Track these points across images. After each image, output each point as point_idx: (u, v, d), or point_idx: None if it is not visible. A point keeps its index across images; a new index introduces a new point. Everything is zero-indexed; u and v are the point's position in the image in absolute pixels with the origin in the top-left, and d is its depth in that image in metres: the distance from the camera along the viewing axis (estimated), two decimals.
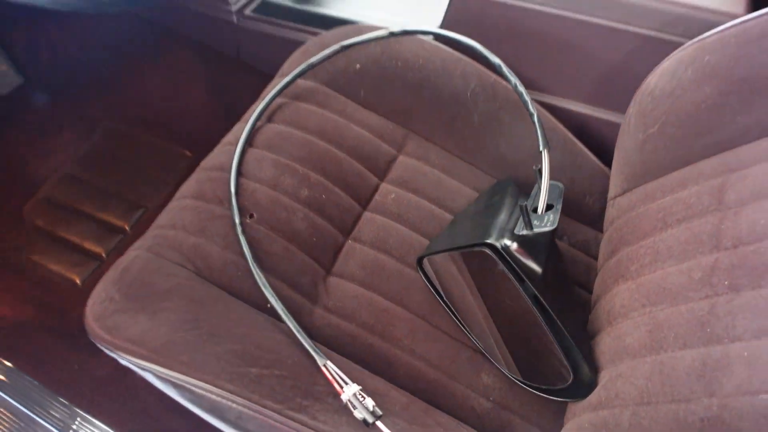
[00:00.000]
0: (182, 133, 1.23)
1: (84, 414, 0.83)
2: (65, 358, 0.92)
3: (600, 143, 0.83)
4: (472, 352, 0.66)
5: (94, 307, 0.61)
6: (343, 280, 0.69)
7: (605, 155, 0.79)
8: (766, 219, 0.52)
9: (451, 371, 0.65)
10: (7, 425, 0.86)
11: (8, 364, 0.90)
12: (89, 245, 1.10)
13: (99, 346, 0.60)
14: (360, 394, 0.56)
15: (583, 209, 0.79)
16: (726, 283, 0.51)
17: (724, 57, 0.61)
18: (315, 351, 0.58)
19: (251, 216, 0.69)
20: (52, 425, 0.83)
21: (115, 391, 0.87)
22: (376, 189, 0.77)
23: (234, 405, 0.54)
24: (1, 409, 0.87)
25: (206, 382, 0.54)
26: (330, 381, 0.57)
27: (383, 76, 0.83)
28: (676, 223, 0.60)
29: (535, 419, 0.64)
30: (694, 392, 0.47)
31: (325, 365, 0.57)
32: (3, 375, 0.90)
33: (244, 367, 0.56)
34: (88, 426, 0.82)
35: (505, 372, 0.65)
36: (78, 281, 1.05)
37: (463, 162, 0.82)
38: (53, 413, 0.84)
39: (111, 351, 0.58)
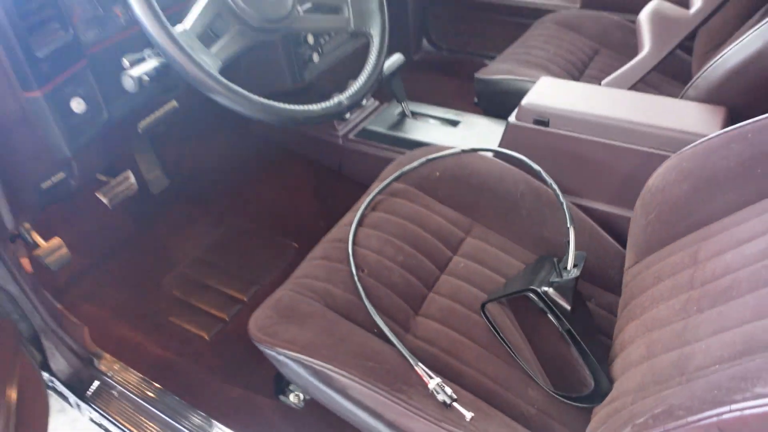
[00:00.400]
0: (291, 229, 1.56)
1: (220, 425, 1.08)
2: (203, 384, 1.19)
3: (619, 232, 1.09)
4: (521, 372, 0.90)
5: (257, 322, 0.90)
6: (427, 319, 0.95)
7: (623, 240, 1.05)
8: (722, 266, 0.77)
9: (505, 385, 0.88)
10: None
11: (157, 385, 1.18)
12: (215, 311, 1.40)
13: (260, 346, 0.87)
14: (441, 385, 0.81)
15: (606, 280, 1.04)
16: (695, 308, 0.75)
17: (696, 163, 0.89)
18: (410, 356, 0.84)
19: (363, 271, 0.98)
20: None
21: (244, 409, 1.13)
22: (450, 259, 1.06)
23: (356, 384, 0.80)
24: (151, 423, 1.13)
25: (338, 368, 0.81)
26: (420, 375, 0.82)
27: (456, 180, 1.14)
28: (666, 277, 0.85)
29: (569, 423, 0.86)
30: (671, 375, 0.70)
31: (417, 365, 0.83)
32: (153, 393, 1.17)
33: (364, 361, 0.82)
34: None
35: (544, 386, 0.88)
36: (206, 337, 1.34)
37: (514, 243, 1.09)
38: (194, 422, 1.09)
39: (270, 349, 0.86)
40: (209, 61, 0.88)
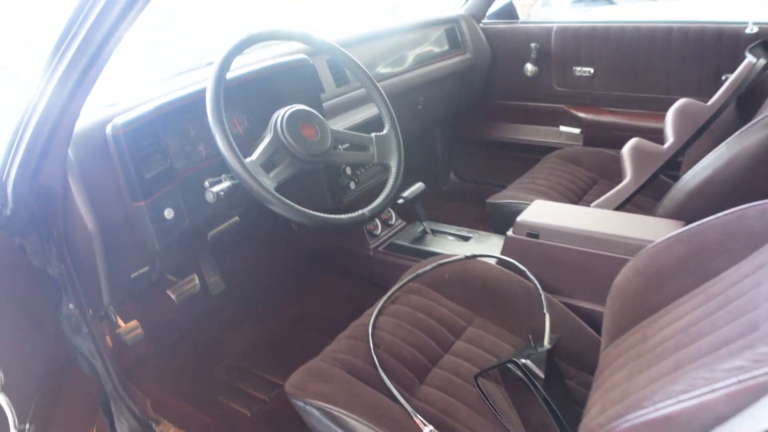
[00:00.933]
0: (326, 327, 1.79)
1: None
2: None
3: (597, 323, 1.28)
4: (505, 429, 1.08)
5: (291, 382, 1.12)
6: (429, 387, 1.15)
7: (600, 330, 1.24)
8: (659, 339, 0.96)
9: None
10: None
11: None
12: (257, 393, 1.61)
13: (293, 398, 1.09)
14: (432, 431, 1.00)
15: (586, 363, 1.22)
16: (637, 371, 0.94)
17: (647, 262, 1.11)
18: (409, 408, 1.04)
19: (379, 347, 1.20)
20: None
21: None
22: (453, 342, 1.26)
23: (365, 427, 1.00)
24: None
25: (352, 413, 1.01)
26: (417, 423, 1.01)
27: (461, 281, 1.38)
28: (624, 353, 1.04)
29: None
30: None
31: (415, 416, 1.02)
32: None
33: (372, 410, 1.02)
34: None
35: None
36: (248, 414, 1.54)
37: (508, 332, 1.30)
38: None
39: (300, 400, 1.07)
40: (268, 182, 1.19)
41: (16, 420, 0.84)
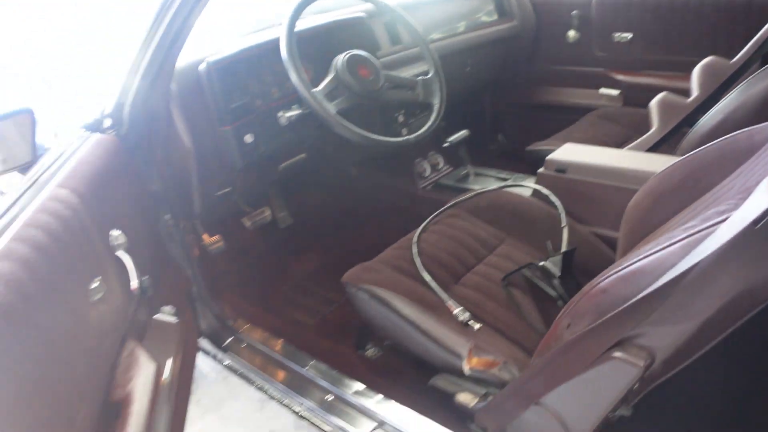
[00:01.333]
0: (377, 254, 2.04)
1: (320, 363, 1.52)
2: (307, 342, 1.64)
3: (615, 247, 1.47)
4: (526, 324, 1.28)
5: (348, 274, 1.36)
6: (463, 287, 1.37)
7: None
8: (653, 245, 1.15)
9: (514, 328, 1.27)
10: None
11: (276, 339, 1.64)
12: (318, 307, 1.87)
13: (348, 286, 1.33)
14: (462, 311, 1.22)
15: None
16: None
17: (653, 186, 1.29)
18: (444, 295, 1.26)
19: (421, 254, 1.43)
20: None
21: (337, 357, 1.56)
22: (486, 256, 1.48)
23: (404, 305, 1.23)
24: (271, 364, 1.58)
25: (394, 291, 1.25)
26: (449, 306, 1.24)
27: (496, 208, 1.59)
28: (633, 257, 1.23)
29: None
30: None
31: (448, 300, 1.25)
32: (276, 343, 1.62)
33: (412, 293, 1.26)
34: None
35: (540, 330, 1.26)
36: (311, 322, 1.80)
37: (535, 250, 1.50)
38: (301, 362, 1.53)
39: (353, 286, 1.31)
40: (330, 107, 1.43)
41: (137, 272, 1.10)
